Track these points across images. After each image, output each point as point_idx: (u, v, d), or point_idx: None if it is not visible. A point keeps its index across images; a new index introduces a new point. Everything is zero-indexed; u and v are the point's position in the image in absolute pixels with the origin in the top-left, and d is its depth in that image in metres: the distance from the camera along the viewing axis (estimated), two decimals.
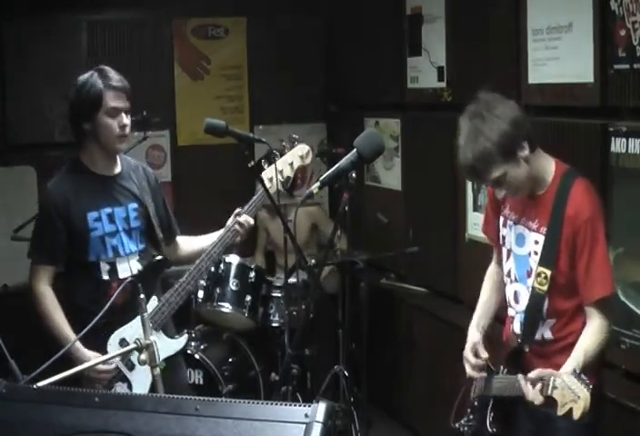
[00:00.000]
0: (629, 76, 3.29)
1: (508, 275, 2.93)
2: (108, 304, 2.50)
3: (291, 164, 3.45)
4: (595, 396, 2.81)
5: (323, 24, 6.34)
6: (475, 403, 2.99)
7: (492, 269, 3.18)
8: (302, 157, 3.50)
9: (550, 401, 2.52)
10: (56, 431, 1.70)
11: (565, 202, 2.71)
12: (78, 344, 3.18)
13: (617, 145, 3.33)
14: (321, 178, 2.75)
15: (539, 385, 2.54)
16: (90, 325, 2.76)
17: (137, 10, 5.98)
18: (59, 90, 5.76)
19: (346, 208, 3.03)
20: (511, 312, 2.94)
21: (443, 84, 4.80)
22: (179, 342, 3.42)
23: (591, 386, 2.45)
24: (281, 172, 3.40)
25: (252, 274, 4.93)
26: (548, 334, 2.82)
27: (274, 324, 5.00)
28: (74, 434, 1.68)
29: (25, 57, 5.64)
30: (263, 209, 5.56)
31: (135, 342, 2.49)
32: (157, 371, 2.51)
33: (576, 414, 2.45)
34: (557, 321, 2.80)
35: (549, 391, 2.50)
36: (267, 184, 3.39)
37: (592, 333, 2.70)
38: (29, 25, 5.63)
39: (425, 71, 4.96)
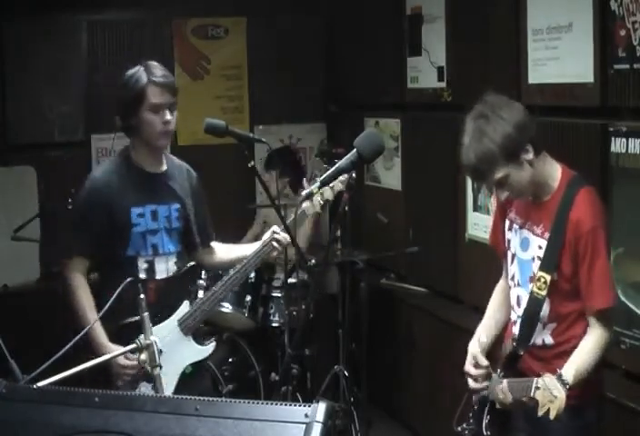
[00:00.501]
0: (629, 76, 3.29)
1: (512, 279, 2.93)
2: (108, 304, 2.50)
3: (332, 188, 3.43)
4: (594, 396, 2.82)
5: (323, 24, 6.34)
6: (475, 407, 2.99)
7: (501, 285, 3.12)
8: (342, 182, 3.48)
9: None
10: (56, 431, 1.70)
11: (569, 209, 2.71)
12: (105, 340, 3.18)
13: (617, 145, 3.33)
14: (321, 178, 2.75)
15: (523, 386, 2.56)
16: (88, 327, 2.77)
17: (137, 10, 5.98)
18: (59, 90, 5.78)
19: (346, 208, 3.03)
20: (513, 315, 2.94)
21: (443, 84, 4.80)
22: (207, 350, 3.42)
23: (568, 387, 2.48)
24: (322, 193, 3.38)
25: (252, 274, 4.93)
26: (549, 339, 2.82)
27: (274, 324, 5.00)
28: (74, 434, 1.68)
29: (25, 57, 5.64)
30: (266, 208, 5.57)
31: (135, 342, 2.48)
32: (157, 371, 2.51)
33: (552, 414, 2.47)
34: (558, 325, 2.80)
35: (532, 392, 2.52)
36: (307, 204, 3.38)
37: (589, 349, 2.69)
38: (29, 25, 5.63)
39: (425, 71, 4.96)
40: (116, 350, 3.17)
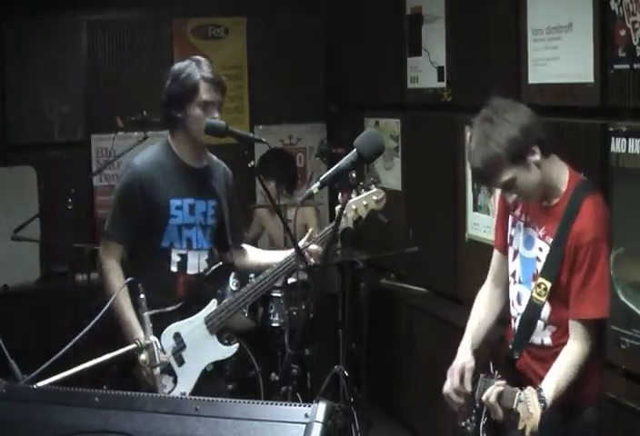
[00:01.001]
0: (629, 76, 3.29)
1: (513, 276, 2.93)
2: (109, 303, 2.50)
3: (365, 206, 3.40)
4: (594, 397, 2.82)
5: (323, 24, 6.34)
6: (477, 404, 2.98)
7: (485, 292, 3.09)
8: (377, 202, 3.46)
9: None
10: (56, 431, 1.70)
11: (574, 218, 2.70)
12: (139, 329, 3.12)
13: (617, 145, 3.33)
14: (321, 178, 2.74)
15: (506, 392, 2.56)
16: (89, 326, 2.76)
17: (137, 10, 5.98)
18: (59, 90, 5.79)
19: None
20: (513, 312, 2.94)
21: (443, 84, 4.80)
22: (230, 350, 3.43)
23: (545, 406, 2.48)
24: (355, 210, 3.36)
25: (252, 274, 4.93)
26: (548, 340, 2.82)
27: (274, 324, 5.00)
28: (74, 434, 1.68)
29: (25, 57, 5.65)
30: (263, 208, 5.58)
31: (134, 342, 2.48)
32: (157, 371, 2.51)
33: (527, 431, 2.48)
34: (558, 329, 2.80)
35: (514, 404, 2.52)
36: (348, 215, 3.34)
37: (569, 365, 2.67)
38: (29, 25, 5.64)
39: (425, 71, 4.96)
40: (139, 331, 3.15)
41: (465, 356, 2.94)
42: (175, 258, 3.35)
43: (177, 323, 3.28)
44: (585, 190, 2.76)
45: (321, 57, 6.37)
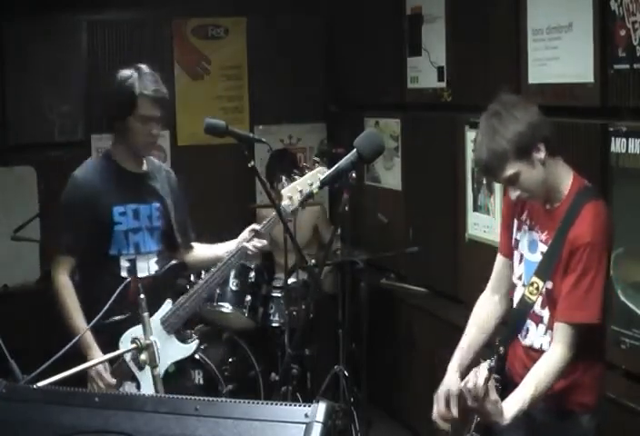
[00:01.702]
0: (629, 76, 3.29)
1: (519, 279, 2.93)
2: (108, 305, 2.50)
3: (310, 185, 3.46)
4: (592, 403, 2.80)
5: (323, 24, 6.34)
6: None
7: (483, 300, 3.07)
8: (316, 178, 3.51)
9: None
10: (56, 431, 1.70)
11: (572, 223, 2.69)
12: (93, 343, 3.20)
13: (617, 145, 3.33)
14: (321, 178, 2.75)
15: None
16: (89, 327, 2.77)
17: (137, 10, 5.98)
18: (59, 90, 5.78)
19: (346, 208, 3.03)
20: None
21: (443, 84, 4.80)
22: (190, 348, 3.44)
23: (493, 371, 2.48)
24: (300, 191, 3.41)
25: (252, 274, 4.93)
26: (547, 346, 2.80)
27: (274, 324, 5.00)
28: (74, 434, 1.68)
29: (25, 57, 5.64)
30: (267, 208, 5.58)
31: (134, 342, 2.48)
32: (157, 371, 2.51)
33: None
34: None
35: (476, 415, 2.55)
36: (287, 202, 3.42)
37: (549, 367, 2.63)
38: (29, 25, 5.63)
39: (425, 71, 4.96)
40: (98, 354, 3.19)
41: (449, 380, 2.89)
42: (124, 263, 3.37)
43: (133, 328, 3.27)
44: (587, 195, 2.74)
45: (321, 57, 6.36)
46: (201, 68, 6.15)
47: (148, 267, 3.42)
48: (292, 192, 3.45)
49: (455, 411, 2.80)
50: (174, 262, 3.42)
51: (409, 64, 5.16)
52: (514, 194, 2.75)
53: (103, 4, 5.84)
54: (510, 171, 2.67)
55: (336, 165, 2.74)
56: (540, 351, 2.81)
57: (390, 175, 5.52)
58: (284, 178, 5.22)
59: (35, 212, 5.41)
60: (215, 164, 6.01)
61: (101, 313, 2.48)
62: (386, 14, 5.42)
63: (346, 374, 4.56)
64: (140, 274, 3.38)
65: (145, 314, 2.52)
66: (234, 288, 4.86)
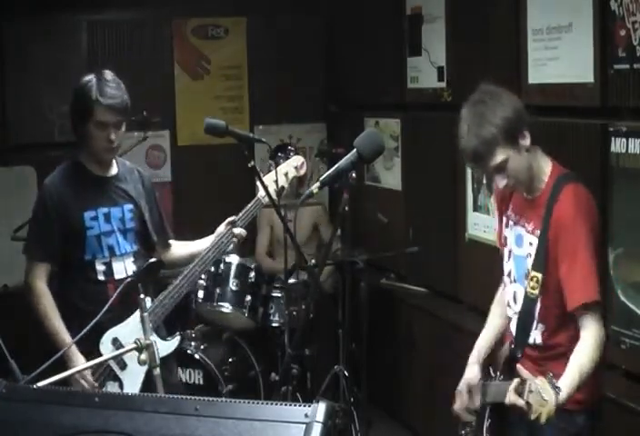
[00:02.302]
0: (629, 76, 3.29)
1: (508, 275, 2.93)
2: (107, 305, 2.50)
3: (286, 174, 3.53)
4: (590, 401, 2.80)
5: (323, 24, 6.34)
6: (480, 411, 2.98)
7: (498, 295, 3.10)
8: (296, 168, 3.58)
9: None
10: (56, 431, 1.70)
11: (553, 206, 2.72)
12: (74, 348, 3.20)
13: (617, 145, 3.33)
14: (321, 178, 2.75)
15: (518, 387, 2.55)
16: (88, 327, 2.77)
17: (137, 10, 5.98)
18: (59, 90, 5.77)
19: (346, 208, 3.03)
20: (509, 312, 2.94)
21: (443, 84, 4.80)
22: (172, 344, 3.45)
23: (560, 392, 2.44)
24: (276, 181, 3.42)
25: (252, 274, 4.93)
26: (539, 339, 2.82)
27: (274, 324, 5.00)
28: (74, 434, 1.68)
29: (25, 57, 5.64)
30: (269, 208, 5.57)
31: (135, 342, 2.48)
32: (157, 371, 2.51)
33: (542, 418, 2.45)
34: (546, 327, 2.80)
35: (526, 396, 2.51)
36: (262, 193, 3.44)
37: (589, 346, 2.65)
38: (29, 25, 5.63)
39: (425, 71, 4.96)
40: (80, 359, 3.19)
41: (470, 373, 2.95)
42: (100, 267, 3.39)
43: (113, 329, 3.29)
44: (566, 179, 2.77)
45: (321, 57, 6.36)
46: (201, 68, 6.15)
47: (125, 268, 3.43)
48: (267, 182, 3.44)
49: (477, 402, 2.86)
50: (151, 260, 3.42)
51: (409, 64, 5.16)
52: (502, 182, 2.75)
53: (103, 4, 5.84)
54: (500, 157, 2.68)
55: (336, 165, 2.74)
56: (533, 347, 2.81)
57: (390, 175, 5.52)
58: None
59: None
60: (215, 164, 6.01)
61: (90, 326, 2.48)
62: (386, 14, 5.42)
63: (346, 374, 4.55)
64: (117, 276, 3.39)
65: (145, 315, 2.52)
66: (234, 288, 4.85)
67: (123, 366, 3.30)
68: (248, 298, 4.87)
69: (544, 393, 2.45)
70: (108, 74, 3.39)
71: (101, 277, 3.38)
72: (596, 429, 2.85)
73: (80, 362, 3.17)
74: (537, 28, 3.83)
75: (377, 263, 5.32)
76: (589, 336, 2.67)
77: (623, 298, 3.31)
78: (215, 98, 6.16)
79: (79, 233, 3.36)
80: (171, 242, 3.70)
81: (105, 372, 3.29)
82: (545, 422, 2.45)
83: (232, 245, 3.48)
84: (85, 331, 2.51)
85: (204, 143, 5.71)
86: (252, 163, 3.18)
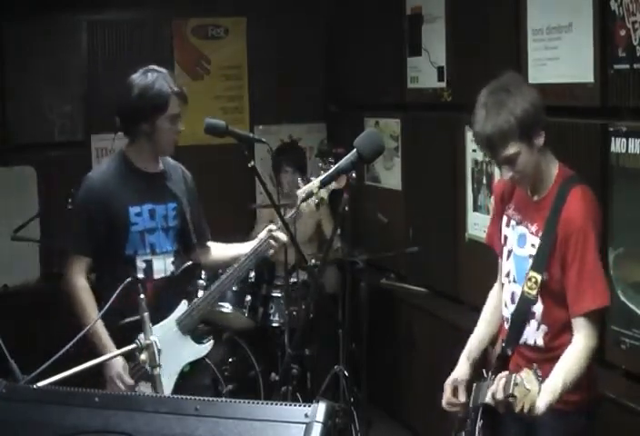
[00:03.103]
0: (629, 76, 3.29)
1: (507, 276, 2.92)
2: (107, 306, 2.50)
3: (327, 187, 3.47)
4: (586, 402, 2.80)
5: (323, 25, 6.34)
6: (472, 413, 2.98)
7: (495, 291, 3.11)
8: (338, 181, 3.52)
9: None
10: (56, 431, 1.69)
11: (561, 208, 2.71)
12: (111, 345, 3.19)
13: (617, 145, 3.33)
14: (321, 178, 2.75)
15: (503, 382, 2.56)
16: (88, 328, 2.77)
17: (137, 10, 5.98)
18: (59, 90, 5.79)
19: (346, 208, 3.03)
20: (505, 312, 2.93)
21: (443, 84, 4.80)
22: (205, 348, 3.45)
23: (541, 380, 2.46)
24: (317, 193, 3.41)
25: (252, 274, 4.93)
26: (540, 342, 2.80)
27: (274, 324, 5.00)
28: (74, 434, 1.68)
29: (25, 57, 5.64)
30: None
31: (135, 342, 2.48)
32: (157, 371, 2.51)
33: (525, 407, 2.46)
34: (550, 329, 2.79)
35: (511, 389, 2.52)
36: (303, 204, 3.41)
37: (576, 357, 2.65)
38: (29, 25, 5.63)
39: (425, 71, 4.96)
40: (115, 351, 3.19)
41: (460, 369, 2.95)
42: (141, 264, 3.37)
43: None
44: (572, 182, 2.77)
45: (321, 57, 6.37)
46: (201, 68, 6.15)
47: (165, 268, 3.41)
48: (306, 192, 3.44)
49: (462, 398, 2.88)
50: (189, 263, 3.42)
51: (409, 64, 5.16)
52: (507, 175, 2.75)
53: (103, 4, 5.84)
54: (512, 149, 2.67)
55: (336, 165, 2.74)
56: (534, 349, 2.81)
57: (390, 175, 5.52)
58: (290, 171, 5.29)
59: (34, 212, 5.41)
60: (215, 164, 6.01)
61: (104, 310, 2.48)
62: (386, 14, 5.42)
63: (346, 374, 4.56)
64: (156, 275, 3.38)
65: (146, 314, 2.52)
66: (234, 288, 4.86)
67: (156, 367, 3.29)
68: (248, 298, 4.87)
69: (527, 383, 2.47)
70: (163, 69, 3.39)
71: (140, 275, 3.34)
72: (594, 429, 2.85)
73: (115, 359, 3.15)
74: (537, 28, 3.83)
75: (377, 263, 5.32)
76: (581, 343, 2.66)
77: (623, 298, 3.31)
78: (214, 98, 6.16)
79: (123, 228, 3.33)
80: (209, 243, 3.66)
81: (139, 372, 3.28)
82: (528, 412, 2.46)
83: (272, 251, 3.46)
84: (86, 329, 2.51)
85: (204, 143, 5.70)
86: (252, 163, 3.18)
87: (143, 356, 2.46)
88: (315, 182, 2.83)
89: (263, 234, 3.44)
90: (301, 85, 6.25)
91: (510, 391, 2.53)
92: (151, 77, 3.33)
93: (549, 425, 2.74)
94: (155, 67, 3.39)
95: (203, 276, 4.45)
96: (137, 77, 3.35)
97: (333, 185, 3.47)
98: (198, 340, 3.44)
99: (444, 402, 2.96)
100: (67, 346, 2.26)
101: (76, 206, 3.45)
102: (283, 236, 3.41)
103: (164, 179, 3.46)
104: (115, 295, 2.61)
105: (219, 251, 3.66)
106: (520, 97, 2.68)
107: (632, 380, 3.39)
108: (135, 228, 3.35)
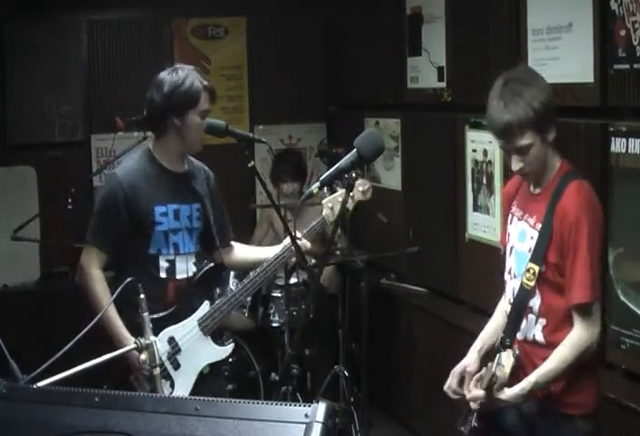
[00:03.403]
0: (629, 76, 3.29)
1: (509, 272, 2.93)
2: (107, 307, 2.49)
3: (352, 197, 3.49)
4: (591, 407, 2.80)
5: (323, 24, 6.34)
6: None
7: (500, 307, 3.09)
8: (363, 192, 3.57)
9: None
10: (56, 431, 1.69)
11: (557, 201, 2.72)
12: (126, 333, 3.19)
13: (617, 145, 3.33)
14: (321, 178, 2.75)
15: (490, 364, 2.60)
16: (88, 326, 2.77)
17: (137, 10, 5.99)
18: (59, 90, 5.79)
19: (347, 208, 3.03)
20: (508, 308, 2.94)
21: (443, 84, 4.80)
22: (226, 350, 3.45)
23: (517, 355, 2.56)
24: (341, 202, 3.41)
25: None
26: (540, 336, 2.80)
27: (274, 324, 5.00)
28: (74, 434, 1.68)
29: (25, 57, 5.64)
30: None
31: (134, 342, 2.48)
32: (157, 371, 2.51)
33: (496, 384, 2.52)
34: (548, 321, 2.78)
35: (495, 368, 2.57)
36: (328, 212, 3.47)
37: (569, 346, 2.68)
38: (29, 25, 5.64)
39: (425, 71, 4.96)
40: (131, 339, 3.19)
41: (469, 359, 2.94)
42: (164, 264, 3.36)
43: (171, 328, 3.28)
44: (572, 176, 2.78)
45: (321, 57, 6.37)
46: (201, 68, 6.11)
47: (187, 268, 3.40)
48: (333, 202, 3.48)
49: (466, 389, 2.86)
50: (211, 264, 3.42)
51: (409, 64, 5.16)
52: (517, 165, 2.76)
53: (103, 4, 5.85)
54: (527, 140, 2.69)
55: (336, 165, 2.74)
56: (534, 344, 2.81)
57: (390, 175, 5.52)
58: (289, 180, 5.29)
59: (34, 212, 5.41)
60: (215, 164, 6.00)
61: (104, 310, 2.48)
62: (386, 14, 5.42)
63: (346, 374, 4.56)
64: (179, 276, 3.37)
65: (145, 315, 2.52)
66: (234, 288, 4.85)
67: (176, 366, 3.29)
68: (248, 298, 4.87)
69: (504, 361, 2.50)
70: (190, 66, 3.41)
71: (163, 275, 3.34)
72: (596, 433, 2.84)
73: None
74: (537, 28, 3.83)
75: (377, 263, 5.32)
76: (576, 335, 2.69)
77: (623, 298, 3.31)
78: None
79: (148, 227, 3.32)
80: (233, 243, 3.66)
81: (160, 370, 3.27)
82: (496, 390, 2.56)
83: (294, 258, 3.47)
84: (88, 327, 2.51)
85: (204, 143, 5.70)
86: (252, 163, 3.18)
87: (143, 356, 2.46)
88: (317, 184, 2.82)
89: (287, 241, 3.42)
90: (301, 85, 6.25)
91: (493, 370, 2.57)
92: (182, 74, 3.33)
93: (552, 428, 2.74)
94: (184, 65, 3.41)
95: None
96: (167, 75, 3.35)
97: (359, 195, 3.52)
98: (219, 341, 3.44)
99: (446, 387, 2.93)
100: (67, 346, 2.26)
101: (101, 201, 3.40)
102: (307, 244, 3.43)
103: (189, 179, 3.45)
104: (114, 296, 2.62)
105: (243, 253, 3.66)
106: (537, 90, 2.71)
107: (632, 380, 3.39)
108: (159, 227, 3.34)
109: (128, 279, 2.67)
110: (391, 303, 5.35)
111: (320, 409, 1.59)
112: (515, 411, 2.79)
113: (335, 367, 4.61)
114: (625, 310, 3.30)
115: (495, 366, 2.60)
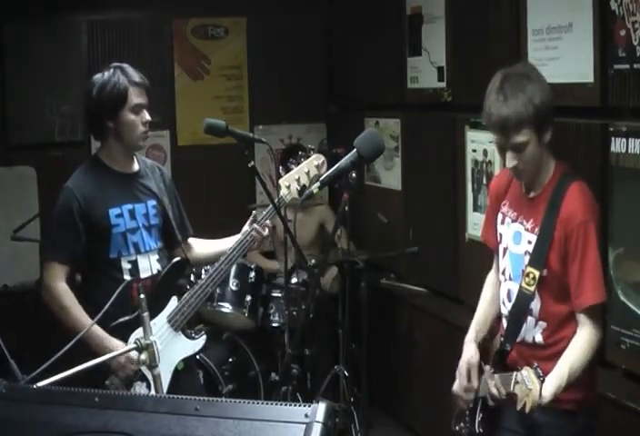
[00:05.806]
0: (629, 76, 3.29)
1: (503, 273, 2.93)
2: (106, 307, 2.49)
3: (307, 173, 3.48)
4: (589, 400, 2.80)
5: (323, 25, 6.34)
6: (471, 405, 2.98)
7: (491, 277, 3.14)
8: (317, 167, 3.53)
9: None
10: (56, 431, 1.69)
11: (560, 204, 2.71)
12: (104, 334, 3.19)
13: (617, 145, 3.33)
14: (321, 178, 2.75)
15: (504, 379, 2.57)
16: (89, 326, 2.78)
17: (137, 10, 5.98)
18: (59, 90, 5.79)
19: (346, 208, 3.03)
20: (503, 310, 2.94)
21: (443, 84, 4.80)
22: (198, 343, 3.44)
23: (542, 379, 2.47)
24: (297, 179, 3.42)
25: (252, 274, 4.93)
26: (539, 338, 2.81)
27: (274, 324, 5.00)
28: (74, 434, 1.68)
29: (25, 57, 5.64)
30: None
31: (134, 342, 2.48)
32: (157, 371, 2.51)
33: (527, 407, 2.48)
34: (548, 324, 2.79)
35: (512, 387, 2.52)
36: (285, 191, 3.44)
37: (581, 347, 2.67)
38: (29, 25, 5.64)
39: (425, 71, 4.96)
40: (117, 342, 3.19)
41: (468, 351, 2.94)
42: (126, 265, 3.36)
43: (140, 329, 3.28)
44: (570, 178, 2.78)
45: (321, 57, 6.37)
46: (201, 68, 6.15)
47: (150, 266, 3.41)
48: (289, 180, 3.45)
49: (475, 382, 2.86)
50: (177, 258, 3.42)
51: (409, 64, 5.16)
52: (511, 162, 2.74)
53: (103, 4, 5.84)
54: (524, 137, 2.68)
55: (336, 165, 2.74)
56: (533, 346, 2.81)
57: (390, 175, 5.53)
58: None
59: (34, 212, 5.41)
60: (215, 164, 6.01)
61: (102, 311, 2.47)
62: (386, 14, 5.42)
63: (346, 374, 4.56)
64: (143, 274, 3.38)
65: (145, 314, 2.51)
66: (234, 288, 4.86)
67: (152, 367, 3.28)
68: (248, 298, 4.87)
69: (528, 382, 2.47)
70: (123, 64, 3.41)
71: (126, 276, 3.34)
72: (595, 428, 2.85)
73: (116, 346, 3.14)
74: (537, 28, 3.83)
75: (377, 263, 5.32)
76: (585, 334, 2.68)
77: (623, 298, 3.31)
78: (214, 98, 6.16)
79: (105, 231, 3.33)
80: (191, 240, 3.67)
81: (134, 372, 3.27)
82: (529, 412, 2.48)
83: (256, 243, 3.45)
84: (83, 332, 2.51)
85: (204, 143, 5.71)
86: (252, 163, 3.18)
87: (143, 356, 2.45)
88: (317, 184, 2.82)
89: (246, 227, 3.45)
90: (301, 85, 6.25)
91: (511, 389, 2.54)
92: (107, 74, 3.35)
93: (551, 424, 2.74)
94: (116, 64, 3.41)
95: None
96: (96, 77, 3.39)
97: (313, 171, 3.50)
98: (190, 335, 3.44)
99: (458, 388, 2.92)
100: (67, 346, 2.26)
101: (56, 217, 3.41)
102: (263, 230, 3.42)
103: (140, 178, 3.47)
104: (112, 297, 2.61)
105: (203, 246, 3.67)
106: (539, 86, 2.70)
107: (632, 380, 3.39)
108: (116, 230, 3.34)
109: (128, 280, 2.67)
110: (391, 303, 5.35)
111: (320, 409, 1.59)
112: (515, 408, 2.79)
113: (335, 367, 4.61)
114: (625, 310, 3.30)
115: (512, 384, 2.53)
